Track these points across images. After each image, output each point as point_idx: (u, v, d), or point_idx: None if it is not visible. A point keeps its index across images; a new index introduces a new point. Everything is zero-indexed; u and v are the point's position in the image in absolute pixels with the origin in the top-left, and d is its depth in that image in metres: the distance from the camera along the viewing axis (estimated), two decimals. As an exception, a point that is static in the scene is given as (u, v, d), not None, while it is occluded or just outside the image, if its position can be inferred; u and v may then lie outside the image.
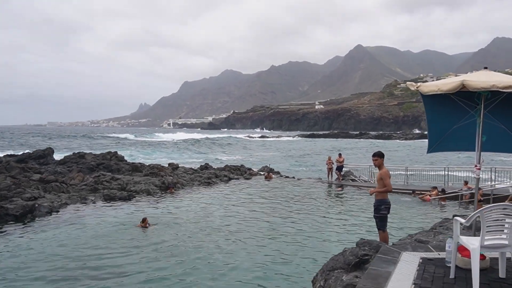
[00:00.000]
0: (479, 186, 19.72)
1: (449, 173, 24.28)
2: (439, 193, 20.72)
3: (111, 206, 19.31)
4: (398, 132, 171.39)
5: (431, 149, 7.36)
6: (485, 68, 6.56)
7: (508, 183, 20.87)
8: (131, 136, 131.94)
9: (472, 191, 19.23)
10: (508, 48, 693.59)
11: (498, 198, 17.20)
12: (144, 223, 14.69)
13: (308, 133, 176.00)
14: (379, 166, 8.58)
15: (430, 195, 20.53)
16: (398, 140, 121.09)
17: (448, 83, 5.78)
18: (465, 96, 6.62)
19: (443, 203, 19.94)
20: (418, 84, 6.03)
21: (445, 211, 18.08)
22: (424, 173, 26.63)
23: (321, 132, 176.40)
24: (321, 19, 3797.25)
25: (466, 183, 20.64)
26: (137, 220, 15.42)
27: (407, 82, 6.72)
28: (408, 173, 25.91)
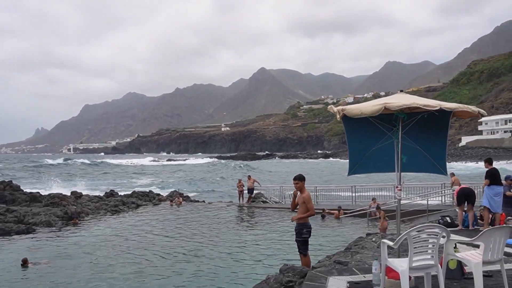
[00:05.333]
0: (383, 202, 20.70)
1: (357, 193, 25.05)
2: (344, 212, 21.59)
3: (5, 241, 17.62)
4: (304, 152, 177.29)
5: (352, 171, 7.42)
6: (401, 91, 6.75)
7: (410, 199, 22.03)
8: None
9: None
10: (398, 71, 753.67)
11: (404, 213, 18.07)
12: (26, 263, 13.19)
13: (216, 155, 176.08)
14: (301, 189, 8.50)
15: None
16: (303, 160, 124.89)
17: (370, 106, 5.83)
18: (383, 119, 6.76)
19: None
20: (343, 107, 6.03)
21: (354, 229, 18.63)
22: (333, 193, 27.38)
23: (228, 154, 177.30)
24: (225, 41, 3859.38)
25: (374, 200, 21.44)
26: (34, 256, 14.18)
27: (329, 106, 6.72)
28: (317, 193, 26.40)
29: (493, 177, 11.53)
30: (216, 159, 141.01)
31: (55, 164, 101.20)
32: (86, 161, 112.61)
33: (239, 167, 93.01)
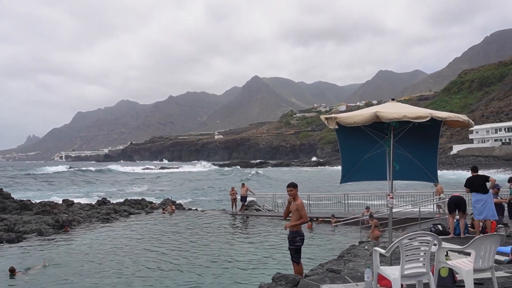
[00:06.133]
0: (375, 211, 20.77)
1: (349, 201, 25.07)
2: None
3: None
4: (296, 160, 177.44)
5: (344, 179, 7.47)
6: (392, 99, 6.82)
7: (403, 207, 22.08)
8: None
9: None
10: (389, 80, 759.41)
11: (396, 221, 18.16)
12: (14, 273, 13.04)
13: (210, 163, 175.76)
14: (294, 196, 8.51)
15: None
16: (296, 167, 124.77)
17: (362, 114, 5.89)
18: (375, 127, 6.81)
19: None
20: (335, 116, 6.08)
21: (347, 237, 18.64)
22: (325, 201, 27.36)
23: (221, 162, 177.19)
24: (219, 48, 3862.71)
25: (367, 208, 21.47)
26: (23, 265, 14.08)
27: (321, 116, 6.76)
28: (310, 201, 26.40)
29: (470, 184, 11.76)
30: (218, 167, 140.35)
31: (51, 173, 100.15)
32: (91, 169, 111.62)
33: (255, 174, 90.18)
